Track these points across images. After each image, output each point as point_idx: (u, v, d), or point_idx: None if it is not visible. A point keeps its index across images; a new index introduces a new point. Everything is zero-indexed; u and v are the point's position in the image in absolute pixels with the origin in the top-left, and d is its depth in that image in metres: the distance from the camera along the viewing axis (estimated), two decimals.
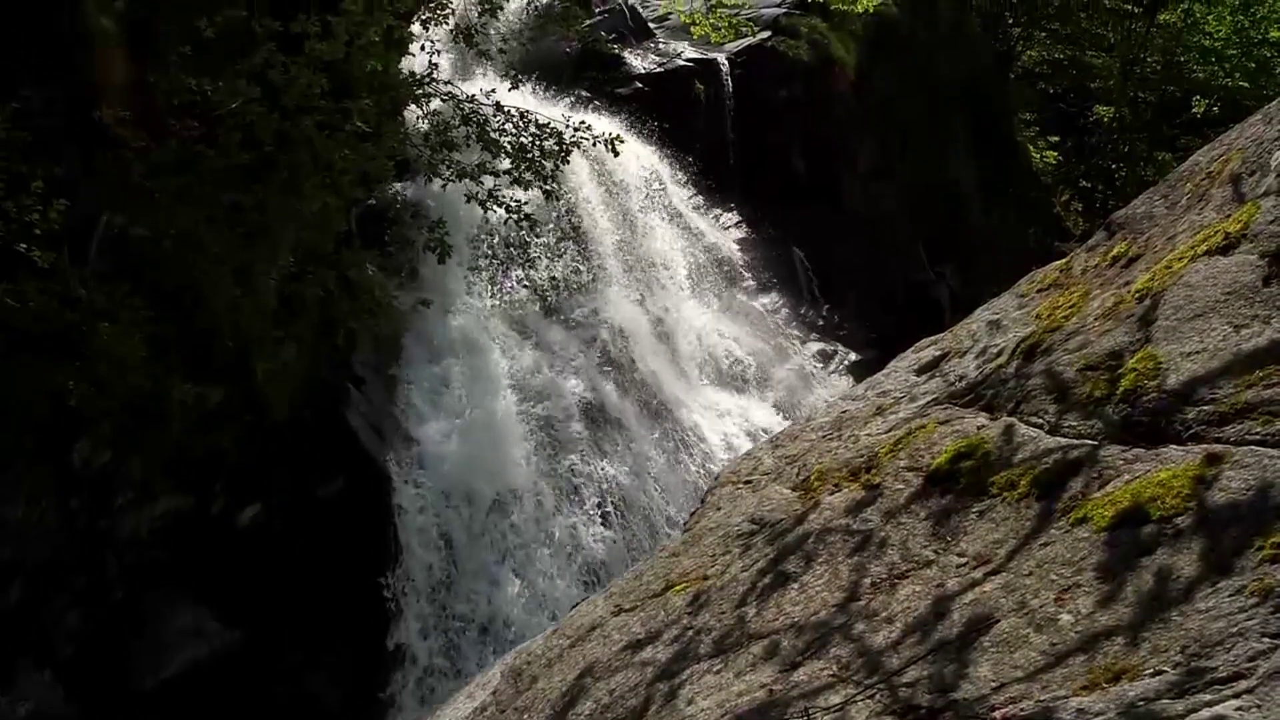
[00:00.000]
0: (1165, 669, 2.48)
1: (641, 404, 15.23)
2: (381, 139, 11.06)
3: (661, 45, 21.07)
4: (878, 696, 2.91)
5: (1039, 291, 4.82)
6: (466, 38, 12.84)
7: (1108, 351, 3.57)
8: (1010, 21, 30.14)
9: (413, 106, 12.37)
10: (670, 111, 19.25)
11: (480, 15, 12.96)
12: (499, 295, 15.09)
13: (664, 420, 15.30)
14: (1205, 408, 3.12)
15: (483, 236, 14.85)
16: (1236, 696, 2.33)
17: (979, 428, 3.78)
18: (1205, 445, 3.02)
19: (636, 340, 15.91)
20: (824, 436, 4.67)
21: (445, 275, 13.99)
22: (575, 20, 18.43)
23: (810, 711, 2.96)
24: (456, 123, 12.19)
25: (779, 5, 22.18)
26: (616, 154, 12.68)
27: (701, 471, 14.71)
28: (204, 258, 10.37)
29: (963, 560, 3.25)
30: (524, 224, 12.50)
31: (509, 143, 12.15)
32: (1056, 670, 2.66)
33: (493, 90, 12.76)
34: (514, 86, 13.48)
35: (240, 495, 11.53)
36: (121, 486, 10.59)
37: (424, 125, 12.50)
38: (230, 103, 10.14)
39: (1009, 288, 5.20)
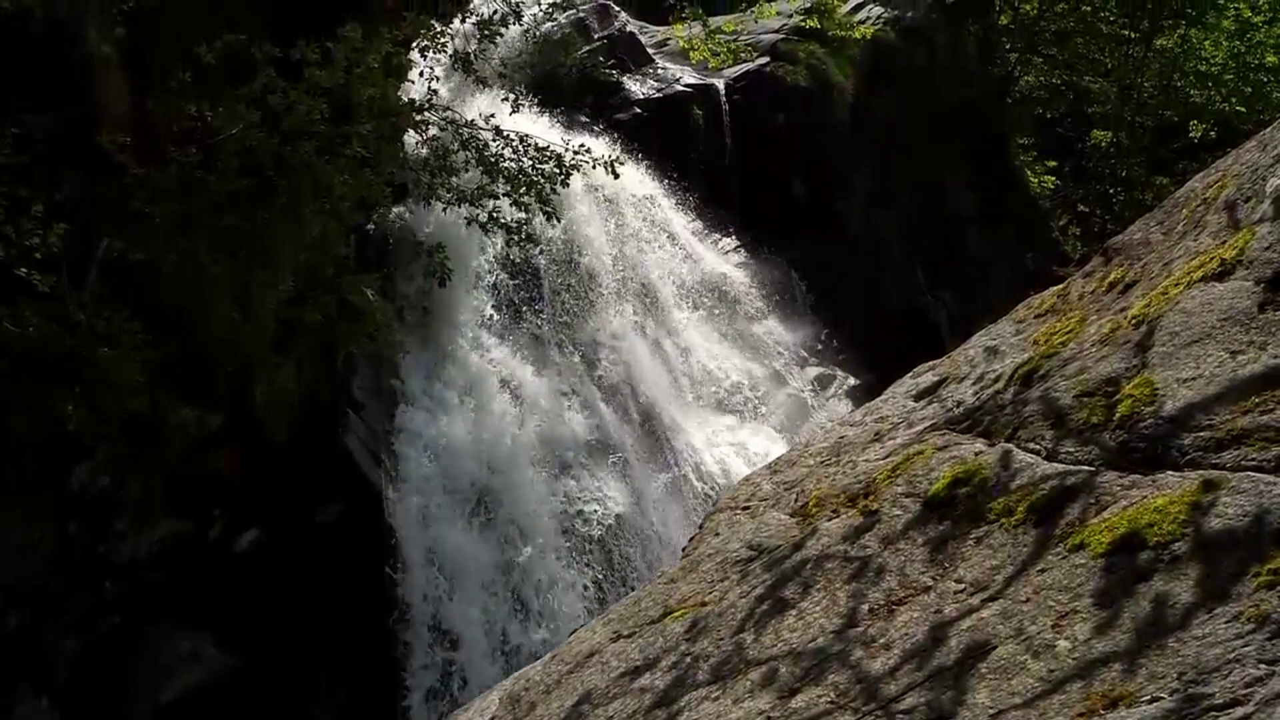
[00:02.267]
0: (1162, 696, 2.48)
1: (640, 429, 15.23)
2: (381, 164, 11.10)
3: (660, 70, 21.12)
4: None
5: (1036, 317, 4.83)
6: (465, 64, 12.88)
7: (1104, 378, 3.57)
8: (1008, 47, 30.22)
9: (412, 132, 12.41)
10: (669, 136, 19.30)
11: (479, 42, 13.01)
12: (498, 319, 15.10)
13: (663, 445, 15.29)
14: (1202, 434, 3.12)
15: (483, 261, 14.88)
16: None
17: (976, 454, 3.78)
18: (1202, 471, 3.02)
19: (635, 365, 15.91)
20: (822, 462, 4.67)
21: (444, 299, 14.01)
22: (574, 46, 18.49)
23: None
24: (455, 147, 12.23)
25: (777, 31, 22.24)
26: (617, 176, 12.74)
27: (699, 497, 14.69)
28: (203, 282, 10.39)
29: (960, 586, 3.25)
30: (524, 245, 12.55)
31: (508, 166, 12.19)
32: (1054, 697, 2.66)
33: (492, 115, 12.81)
34: (514, 111, 13.54)
35: (239, 519, 11.53)
36: (120, 511, 10.59)
37: (423, 150, 12.54)
38: (230, 128, 10.18)
39: (1007, 312, 5.20)
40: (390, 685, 12.06)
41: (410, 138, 12.68)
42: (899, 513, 3.76)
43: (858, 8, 24.44)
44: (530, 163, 12.27)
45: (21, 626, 10.08)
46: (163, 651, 10.95)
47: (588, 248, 16.39)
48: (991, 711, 2.73)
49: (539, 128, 15.61)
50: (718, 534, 4.62)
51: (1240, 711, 2.35)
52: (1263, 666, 2.39)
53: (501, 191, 12.16)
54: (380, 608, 12.19)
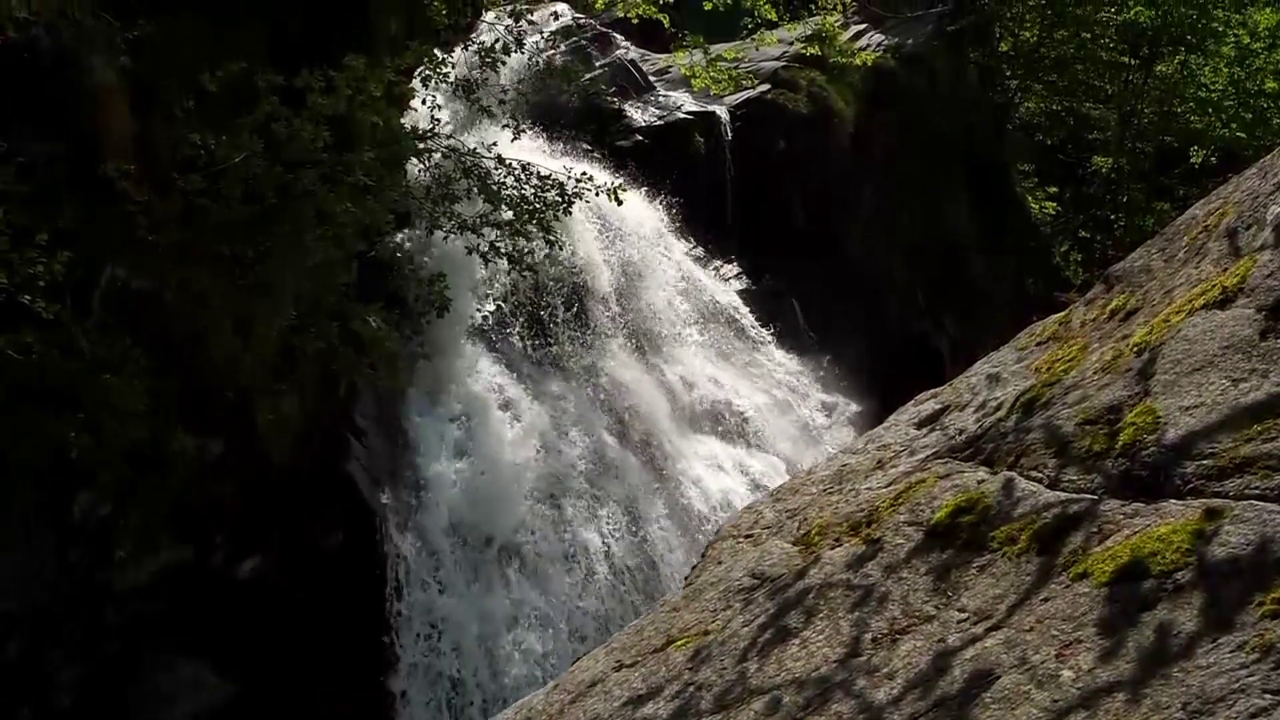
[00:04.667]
0: None
1: (642, 456, 15.21)
2: (383, 192, 11.12)
3: (662, 98, 21.22)
4: None
5: (1038, 344, 4.84)
6: (467, 92, 12.92)
7: (1106, 405, 3.58)
8: (1008, 74, 30.33)
9: (414, 159, 12.44)
10: (670, 163, 19.36)
11: (481, 69, 13.06)
12: (499, 347, 15.11)
13: (664, 472, 15.27)
14: (1204, 462, 3.12)
15: (484, 288, 14.89)
16: None
17: (979, 482, 3.78)
18: (1204, 500, 3.02)
19: (636, 392, 15.91)
20: (824, 490, 4.67)
21: (446, 327, 14.02)
22: (576, 74, 18.58)
23: None
24: (458, 176, 12.25)
25: (778, 58, 22.35)
26: (620, 203, 12.76)
27: (702, 525, 14.67)
28: (206, 310, 10.41)
29: (964, 615, 3.25)
30: (526, 273, 12.55)
31: (510, 195, 12.20)
32: None
33: (494, 144, 12.84)
34: (515, 138, 13.58)
35: (240, 547, 11.50)
36: (121, 538, 10.56)
37: (425, 178, 12.57)
38: (233, 156, 10.20)
39: (1008, 339, 5.21)
40: (389, 713, 12.03)
41: (413, 165, 12.71)
42: (901, 541, 3.76)
43: (858, 35, 24.58)
44: (533, 191, 12.29)
45: (22, 653, 10.04)
46: (163, 679, 10.92)
47: (589, 274, 16.41)
48: None
49: (541, 155, 15.66)
50: (720, 562, 4.62)
51: None
52: (1267, 696, 2.39)
53: (504, 220, 12.18)
54: (380, 636, 12.16)
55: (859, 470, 4.67)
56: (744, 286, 19.68)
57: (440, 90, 12.75)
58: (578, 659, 4.75)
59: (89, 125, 10.32)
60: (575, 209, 12.82)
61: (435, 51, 12.75)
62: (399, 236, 13.56)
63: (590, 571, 13.48)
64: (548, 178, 12.42)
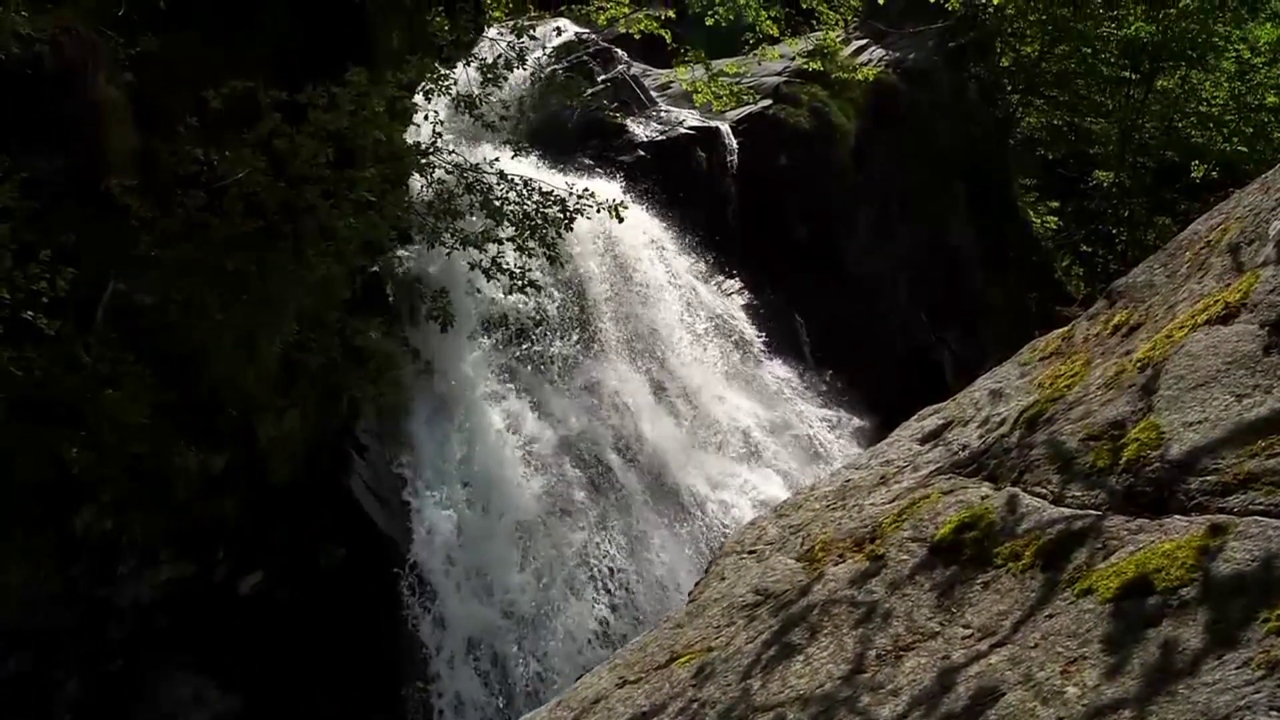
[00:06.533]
0: None
1: (644, 472, 15.19)
2: (386, 207, 11.13)
3: (664, 113, 21.24)
4: None
5: (1041, 360, 4.83)
6: (469, 107, 12.94)
7: (1110, 421, 3.57)
8: (1009, 88, 30.35)
9: (416, 175, 12.45)
10: (672, 178, 19.38)
11: (483, 85, 13.08)
12: (501, 363, 15.10)
13: (667, 488, 15.25)
14: (1208, 478, 3.11)
15: (486, 304, 14.89)
16: None
17: (983, 498, 3.77)
18: (1209, 515, 3.01)
19: (639, 408, 15.89)
20: (828, 506, 4.66)
21: (448, 343, 14.01)
22: (578, 89, 18.60)
23: None
24: (460, 191, 12.26)
25: (780, 74, 22.38)
26: (621, 220, 12.75)
27: (705, 540, 14.64)
28: (208, 325, 10.41)
29: (968, 632, 3.24)
30: (527, 290, 12.55)
31: (512, 211, 12.21)
32: None
33: (496, 159, 12.85)
34: (516, 154, 13.60)
35: (243, 562, 11.49)
36: (123, 554, 10.56)
37: (428, 194, 12.58)
38: (236, 172, 10.23)
39: (1011, 354, 5.20)
40: None
41: (415, 181, 12.72)
42: (905, 557, 3.75)
43: (860, 50, 24.62)
44: (534, 206, 12.30)
45: (23, 669, 10.03)
46: (165, 695, 10.90)
47: (590, 290, 16.40)
48: None
49: (542, 171, 15.67)
50: (724, 578, 4.61)
51: None
52: (1274, 713, 2.38)
53: (506, 236, 12.18)
54: (382, 652, 12.14)
55: (862, 486, 4.66)
56: (746, 301, 19.67)
57: (442, 105, 12.76)
58: (581, 676, 4.74)
59: (92, 141, 10.34)
60: (577, 224, 12.82)
61: (437, 66, 12.77)
62: (401, 252, 13.58)
63: (593, 587, 13.45)
64: (549, 193, 12.43)
